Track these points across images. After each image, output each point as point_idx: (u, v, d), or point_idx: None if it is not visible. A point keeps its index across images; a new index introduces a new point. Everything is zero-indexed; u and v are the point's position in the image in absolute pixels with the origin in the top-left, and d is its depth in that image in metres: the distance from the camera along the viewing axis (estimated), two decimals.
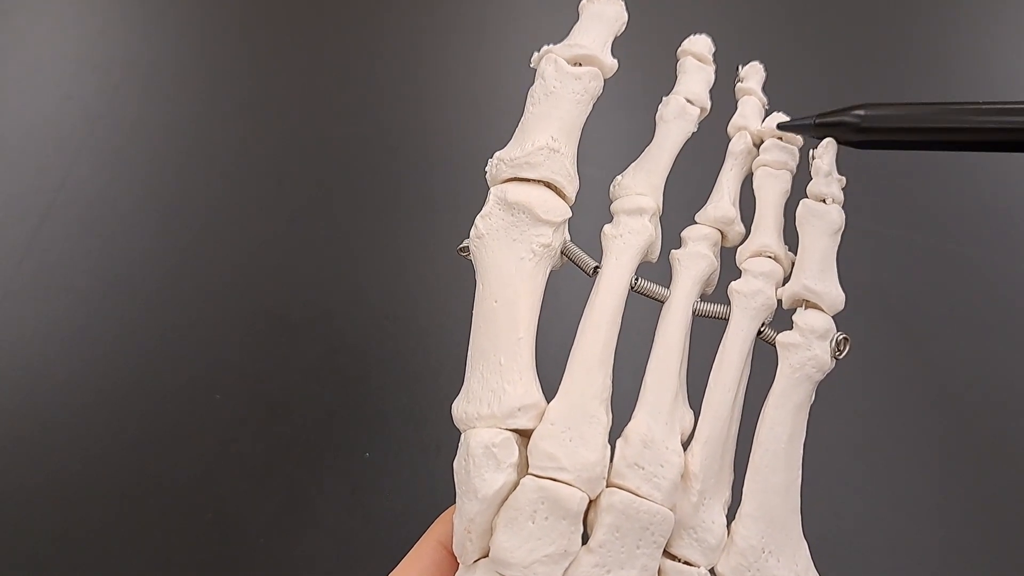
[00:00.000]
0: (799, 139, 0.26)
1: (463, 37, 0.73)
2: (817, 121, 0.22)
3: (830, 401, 0.47)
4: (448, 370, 0.49)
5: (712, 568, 0.20)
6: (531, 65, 0.23)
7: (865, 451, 0.47)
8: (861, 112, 0.22)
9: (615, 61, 0.23)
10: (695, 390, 0.22)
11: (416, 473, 0.45)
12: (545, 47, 0.23)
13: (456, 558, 0.21)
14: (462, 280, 0.53)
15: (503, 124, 0.64)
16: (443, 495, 0.44)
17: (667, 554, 0.20)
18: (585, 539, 0.19)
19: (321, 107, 0.66)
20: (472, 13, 0.76)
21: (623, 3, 0.25)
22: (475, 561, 0.20)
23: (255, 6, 0.75)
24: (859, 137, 0.21)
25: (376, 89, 0.67)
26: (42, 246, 0.55)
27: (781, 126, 0.23)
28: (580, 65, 0.23)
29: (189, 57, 0.70)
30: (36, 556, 0.42)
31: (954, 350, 0.51)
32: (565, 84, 0.22)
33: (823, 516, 0.43)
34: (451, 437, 0.46)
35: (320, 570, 0.42)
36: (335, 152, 0.62)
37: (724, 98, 0.28)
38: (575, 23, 0.24)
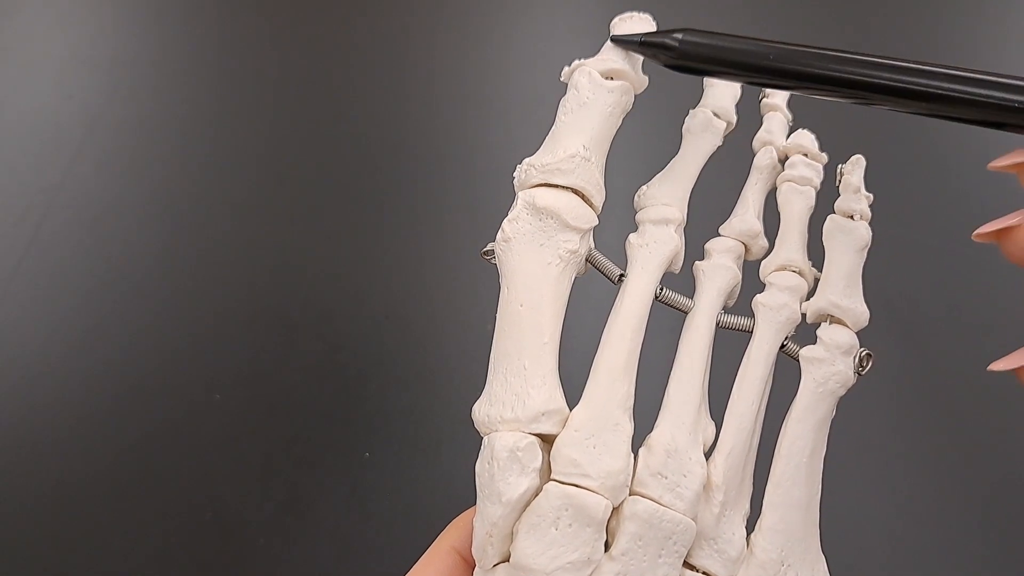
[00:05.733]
0: (824, 156, 0.27)
1: (465, 38, 0.73)
2: (643, 39, 0.22)
3: None
4: (448, 370, 0.50)
5: None
6: (561, 79, 0.24)
7: (865, 451, 0.47)
8: (680, 36, 0.21)
9: (646, 77, 0.24)
10: (716, 402, 0.22)
11: (416, 473, 0.45)
12: (577, 61, 0.23)
13: (469, 565, 0.21)
14: (462, 280, 0.53)
15: (505, 125, 0.65)
16: (443, 495, 0.44)
17: (687, 565, 0.20)
18: (605, 547, 0.19)
19: (322, 107, 0.66)
20: (478, 12, 0.76)
21: (655, 23, 0.25)
22: (494, 566, 0.20)
23: (256, 5, 0.75)
24: (676, 61, 0.21)
25: (377, 89, 0.68)
26: (42, 246, 0.55)
27: (614, 39, 0.23)
28: (612, 79, 0.23)
29: (189, 57, 0.70)
30: (36, 555, 0.42)
31: (954, 350, 0.51)
32: (598, 96, 0.22)
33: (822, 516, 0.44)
34: (451, 436, 0.47)
35: (320, 570, 0.42)
36: (336, 152, 0.62)
37: (749, 113, 0.28)
38: (604, 41, 0.24)
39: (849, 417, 0.48)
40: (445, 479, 0.45)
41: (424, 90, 0.67)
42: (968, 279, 0.55)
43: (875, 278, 0.54)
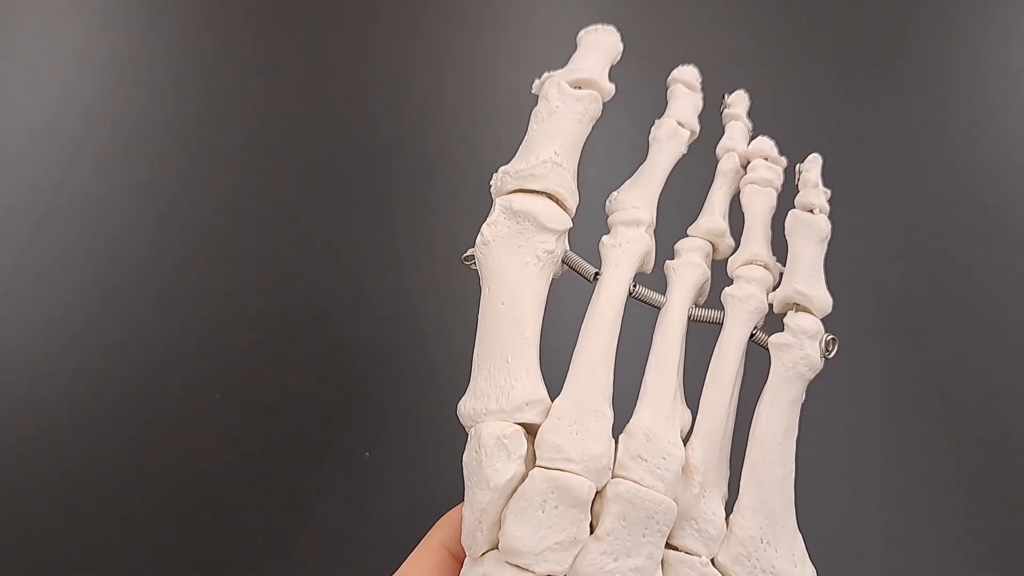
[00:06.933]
0: (783, 160, 0.28)
1: (464, 39, 0.73)
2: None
3: (830, 400, 0.47)
4: (448, 370, 0.50)
5: (712, 558, 0.21)
6: (532, 91, 0.25)
7: (864, 450, 0.47)
8: None
9: (612, 86, 0.25)
10: (692, 393, 0.23)
11: (416, 473, 0.45)
12: (546, 73, 0.25)
13: (458, 560, 0.22)
14: (461, 280, 0.53)
15: (502, 126, 0.66)
16: (443, 495, 0.44)
17: (669, 546, 0.21)
18: (591, 530, 0.20)
19: (322, 107, 0.66)
20: (473, 15, 0.76)
21: (618, 34, 0.26)
22: (483, 554, 0.20)
23: (256, 5, 0.76)
24: None
25: (376, 90, 0.68)
26: (42, 246, 0.55)
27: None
28: (580, 88, 0.24)
29: (189, 57, 0.70)
30: (36, 555, 0.42)
31: (954, 350, 0.51)
32: (567, 104, 0.24)
33: (820, 513, 0.44)
34: (451, 436, 0.47)
35: (320, 570, 0.42)
36: (335, 152, 0.63)
37: (710, 124, 0.29)
38: (574, 51, 0.26)
39: (849, 417, 0.48)
40: (445, 479, 0.45)
41: (425, 90, 0.68)
42: (968, 279, 0.55)
43: (875, 278, 0.55)
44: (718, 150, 0.29)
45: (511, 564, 0.19)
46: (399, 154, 0.62)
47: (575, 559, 0.19)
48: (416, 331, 0.52)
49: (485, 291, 0.22)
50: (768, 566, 0.21)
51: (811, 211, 0.25)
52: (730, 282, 0.25)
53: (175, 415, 0.48)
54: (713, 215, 0.26)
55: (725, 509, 0.22)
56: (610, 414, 0.21)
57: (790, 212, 0.25)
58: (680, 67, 0.29)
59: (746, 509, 0.21)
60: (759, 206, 0.27)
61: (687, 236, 0.26)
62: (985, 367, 0.51)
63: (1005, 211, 0.59)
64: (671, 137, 0.27)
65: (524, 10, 0.76)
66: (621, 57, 0.26)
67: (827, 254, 0.25)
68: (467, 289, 0.55)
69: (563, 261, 0.23)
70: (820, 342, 0.23)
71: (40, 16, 0.72)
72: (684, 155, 0.27)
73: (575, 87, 0.24)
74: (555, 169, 0.23)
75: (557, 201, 0.23)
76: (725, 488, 0.22)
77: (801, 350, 0.22)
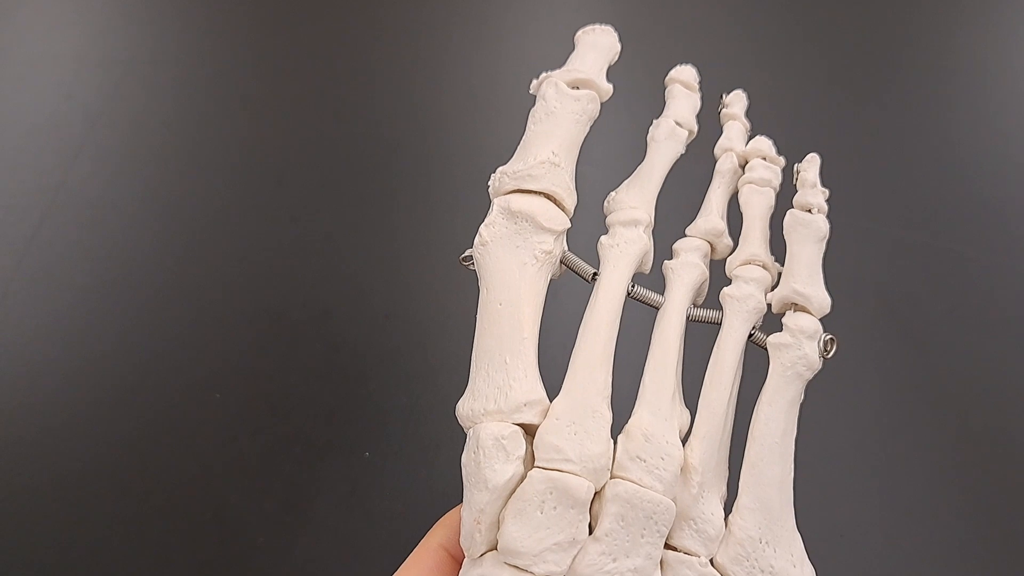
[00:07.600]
0: (781, 159, 0.28)
1: (463, 37, 0.73)
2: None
3: (830, 400, 0.47)
4: (448, 369, 0.50)
5: (711, 559, 0.21)
6: (531, 91, 0.25)
7: (864, 450, 0.47)
8: None
9: (610, 86, 0.25)
10: (691, 393, 0.23)
11: (416, 473, 0.45)
12: (544, 73, 0.25)
13: (457, 561, 0.22)
14: (461, 280, 0.53)
15: (501, 125, 0.65)
16: (443, 495, 0.44)
17: (668, 546, 0.21)
18: (590, 530, 0.20)
19: (321, 107, 0.66)
20: (473, 14, 0.76)
21: (616, 34, 0.26)
22: (482, 555, 0.20)
23: (256, 5, 0.76)
24: None
25: (376, 89, 0.68)
26: (42, 246, 0.55)
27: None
28: (578, 88, 0.24)
29: (189, 56, 0.70)
30: (36, 555, 0.42)
31: (954, 350, 0.51)
32: (565, 104, 0.24)
33: (821, 513, 0.44)
34: (451, 436, 0.47)
35: (320, 570, 0.42)
36: (335, 152, 0.63)
37: (707, 124, 0.29)
38: (572, 52, 0.26)
39: (849, 417, 0.48)
40: (445, 479, 0.45)
41: (425, 90, 0.68)
42: (968, 279, 0.55)
43: (875, 278, 0.55)
44: (716, 150, 0.29)
45: (510, 565, 0.19)
46: (399, 154, 0.62)
47: (574, 560, 0.19)
48: (416, 331, 0.52)
49: (483, 291, 0.22)
50: (767, 566, 0.21)
51: (809, 211, 0.25)
52: (728, 282, 0.25)
53: (175, 415, 0.47)
54: (711, 215, 0.26)
55: (724, 509, 0.22)
56: (608, 414, 0.21)
57: (788, 212, 0.25)
58: (678, 67, 0.29)
59: (744, 509, 0.21)
60: (757, 206, 0.27)
61: (685, 236, 0.26)
62: (985, 367, 0.51)
63: (1005, 211, 0.59)
64: (669, 137, 0.27)
65: (524, 10, 0.76)
66: (619, 57, 0.26)
67: (826, 254, 0.25)
68: (467, 289, 0.55)
69: (561, 261, 0.23)
70: (818, 342, 0.23)
71: (41, 16, 0.72)
72: (682, 155, 0.27)
73: (573, 87, 0.24)
74: (553, 169, 0.23)
75: (555, 201, 0.23)
76: (724, 488, 0.22)
77: (799, 350, 0.23)
